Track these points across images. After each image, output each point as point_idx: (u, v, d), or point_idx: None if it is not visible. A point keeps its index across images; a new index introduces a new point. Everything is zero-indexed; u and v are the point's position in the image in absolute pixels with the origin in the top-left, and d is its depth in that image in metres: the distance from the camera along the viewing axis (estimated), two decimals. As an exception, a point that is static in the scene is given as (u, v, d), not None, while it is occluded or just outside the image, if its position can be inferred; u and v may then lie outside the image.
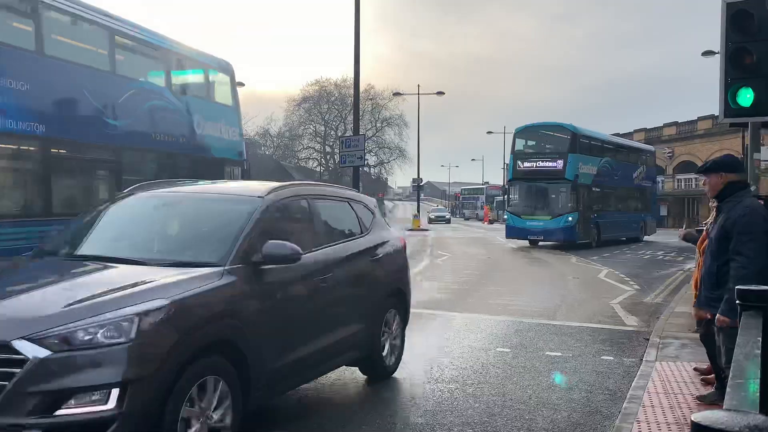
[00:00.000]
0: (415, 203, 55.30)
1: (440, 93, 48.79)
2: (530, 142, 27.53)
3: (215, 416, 4.04)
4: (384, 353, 6.26)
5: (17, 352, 3.43)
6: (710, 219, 5.40)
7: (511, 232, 26.68)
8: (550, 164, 25.57)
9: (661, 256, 22.21)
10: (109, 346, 3.52)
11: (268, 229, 4.81)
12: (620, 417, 5.02)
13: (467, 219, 75.56)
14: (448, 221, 62.14)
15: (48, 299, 3.93)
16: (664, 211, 50.85)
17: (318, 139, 71.23)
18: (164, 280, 4.02)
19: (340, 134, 63.02)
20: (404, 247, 7.08)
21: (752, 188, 8.79)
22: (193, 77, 13.36)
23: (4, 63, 8.69)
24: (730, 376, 2.02)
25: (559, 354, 7.46)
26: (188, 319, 3.90)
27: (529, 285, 14.29)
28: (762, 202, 5.09)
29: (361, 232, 6.29)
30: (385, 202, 79.85)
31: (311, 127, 70.34)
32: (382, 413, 5.39)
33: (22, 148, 9.09)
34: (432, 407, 5.49)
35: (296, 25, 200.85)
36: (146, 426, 3.58)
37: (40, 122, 8.98)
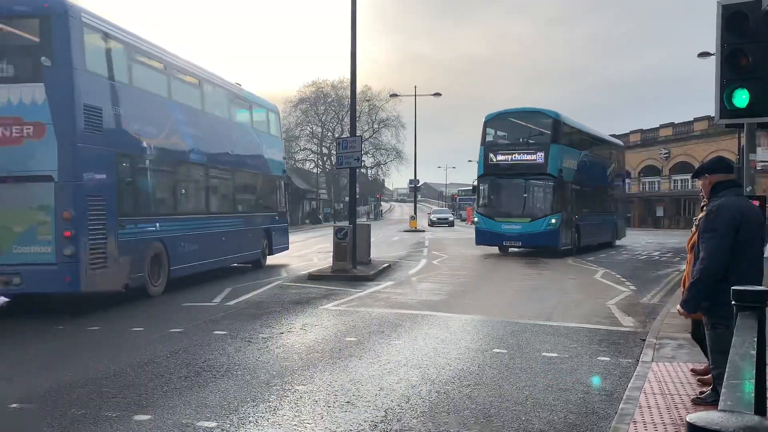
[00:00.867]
0: (413, 204, 54.88)
1: (437, 94, 48.86)
2: (504, 132, 23.51)
3: None
4: None
5: None
6: (699, 217, 5.47)
7: (482, 238, 22.43)
8: (529, 157, 21.58)
9: (657, 257, 22.26)
10: None
11: None
12: (616, 418, 5.01)
13: (464, 220, 75.56)
14: (452, 224, 53.42)
15: None
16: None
17: (315, 140, 71.29)
18: None
19: (336, 135, 63.05)
20: None
21: (749, 189, 8.83)
22: (259, 116, 18.53)
23: (192, 118, 13.95)
24: (726, 376, 2.02)
25: (556, 355, 7.45)
26: None
27: (526, 286, 14.29)
28: (757, 203, 5.12)
29: None
30: (382, 203, 79.78)
31: (308, 128, 70.43)
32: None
33: (197, 171, 14.41)
34: (428, 408, 5.48)
35: (294, 27, 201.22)
36: None
37: (204, 155, 14.53)
